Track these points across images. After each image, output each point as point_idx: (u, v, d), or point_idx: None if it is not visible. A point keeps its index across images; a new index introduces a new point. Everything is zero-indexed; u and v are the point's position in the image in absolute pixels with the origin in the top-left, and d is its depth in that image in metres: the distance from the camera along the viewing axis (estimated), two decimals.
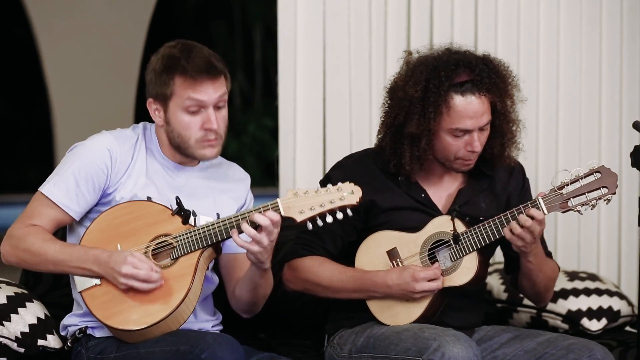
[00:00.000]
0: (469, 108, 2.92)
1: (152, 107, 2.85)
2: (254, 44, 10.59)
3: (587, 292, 3.56)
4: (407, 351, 2.80)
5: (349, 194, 2.71)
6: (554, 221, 4.16)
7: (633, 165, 2.83)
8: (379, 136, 3.08)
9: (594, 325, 3.49)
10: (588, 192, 2.87)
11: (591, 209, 2.89)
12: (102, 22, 7.98)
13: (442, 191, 3.07)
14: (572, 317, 3.50)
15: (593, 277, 3.68)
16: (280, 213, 2.70)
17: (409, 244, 2.98)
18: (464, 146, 2.96)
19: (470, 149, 2.96)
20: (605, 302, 3.55)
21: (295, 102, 3.93)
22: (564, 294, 3.54)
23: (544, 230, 2.95)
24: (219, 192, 2.94)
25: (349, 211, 2.71)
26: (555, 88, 4.15)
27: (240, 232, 2.72)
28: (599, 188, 2.86)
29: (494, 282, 3.67)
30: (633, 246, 4.25)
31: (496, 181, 3.09)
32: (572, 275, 3.66)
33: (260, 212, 2.69)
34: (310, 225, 2.71)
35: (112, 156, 2.82)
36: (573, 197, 2.87)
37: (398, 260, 2.98)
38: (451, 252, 2.94)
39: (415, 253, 2.97)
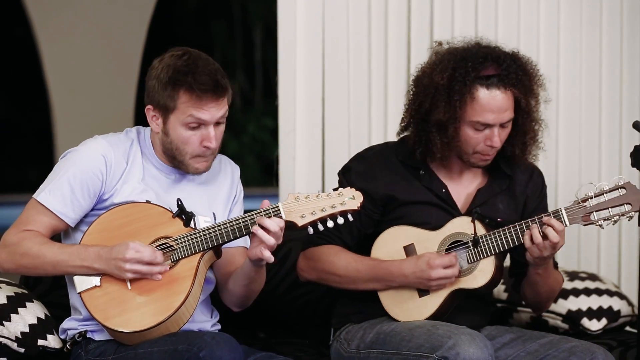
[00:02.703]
0: (493, 102, 2.91)
1: (151, 114, 2.84)
2: (254, 44, 10.57)
3: (587, 292, 3.56)
4: (419, 347, 2.76)
5: (350, 199, 2.71)
6: None
7: (633, 165, 2.83)
8: (402, 124, 3.06)
9: (594, 325, 3.48)
10: (611, 208, 2.85)
11: (612, 225, 2.87)
12: (102, 22, 7.97)
13: (461, 189, 3.05)
14: (572, 317, 3.49)
15: (593, 277, 3.68)
16: (281, 217, 2.71)
17: (427, 241, 2.96)
18: (484, 140, 2.94)
19: (489, 144, 2.94)
20: (605, 302, 3.54)
21: (295, 102, 3.92)
22: (564, 293, 3.54)
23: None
24: (213, 190, 2.95)
25: (349, 216, 2.72)
26: (556, 88, 4.15)
27: (244, 235, 2.74)
28: (623, 204, 2.84)
29: None
30: (633, 246, 4.25)
31: (515, 182, 3.07)
32: (572, 275, 3.65)
33: (264, 217, 2.70)
34: (311, 230, 2.73)
35: (107, 162, 2.81)
36: (596, 211, 2.85)
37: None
38: (469, 254, 2.92)
39: (432, 251, 2.95)
